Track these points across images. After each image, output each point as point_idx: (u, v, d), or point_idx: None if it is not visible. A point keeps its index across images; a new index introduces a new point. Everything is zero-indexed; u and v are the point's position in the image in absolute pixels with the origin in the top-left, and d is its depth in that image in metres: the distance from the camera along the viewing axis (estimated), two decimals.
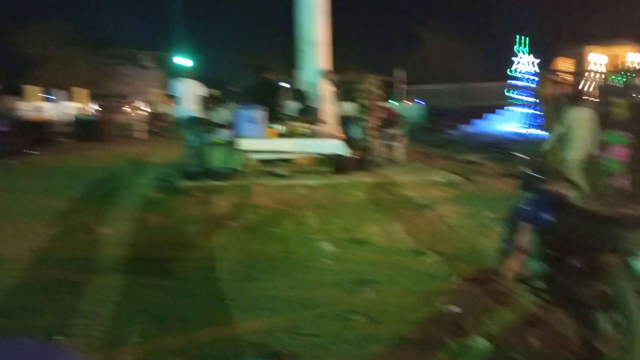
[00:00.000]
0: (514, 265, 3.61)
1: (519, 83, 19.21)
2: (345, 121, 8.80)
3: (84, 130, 14.80)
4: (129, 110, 24.19)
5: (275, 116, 8.16)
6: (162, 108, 20.80)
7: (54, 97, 21.04)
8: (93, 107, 22.25)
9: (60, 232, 5.24)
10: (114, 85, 39.36)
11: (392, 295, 3.68)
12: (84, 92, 25.93)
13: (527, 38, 19.46)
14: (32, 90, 22.31)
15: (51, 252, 4.64)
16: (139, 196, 6.83)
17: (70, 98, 23.65)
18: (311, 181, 7.21)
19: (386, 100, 9.53)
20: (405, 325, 3.24)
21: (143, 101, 28.09)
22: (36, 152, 11.16)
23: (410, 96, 25.48)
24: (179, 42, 25.32)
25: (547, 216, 3.10)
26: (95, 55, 37.72)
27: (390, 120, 9.08)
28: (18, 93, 20.97)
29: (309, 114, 8.63)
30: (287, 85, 9.66)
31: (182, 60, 22.23)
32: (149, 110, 23.27)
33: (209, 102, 8.97)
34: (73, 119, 16.66)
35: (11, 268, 4.15)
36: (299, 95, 9.26)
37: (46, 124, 14.64)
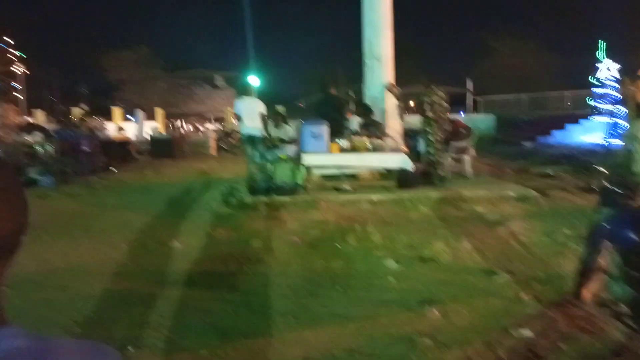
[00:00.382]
0: (595, 287, 3.34)
1: (602, 91, 18.03)
2: (411, 135, 8.64)
3: (160, 148, 15.63)
4: (202, 128, 25.31)
5: (339, 131, 8.18)
6: (233, 126, 21.59)
7: (135, 117, 22.46)
8: (169, 126, 23.51)
9: (135, 245, 5.51)
10: (189, 105, 41.50)
11: (460, 317, 3.51)
12: (161, 111, 27.50)
13: (605, 42, 18.27)
14: (115, 111, 24.01)
15: (126, 265, 4.88)
16: (208, 211, 7.06)
17: (150, 118, 25.15)
18: (375, 196, 7.12)
19: (453, 112, 9.25)
20: (475, 349, 3.06)
21: (215, 119, 29.31)
22: (116, 170, 11.90)
23: (479, 107, 24.73)
24: (249, 62, 26.25)
25: (631, 234, 2.84)
26: (171, 76, 40.08)
27: (458, 132, 8.80)
28: (103, 114, 22.65)
29: (373, 128, 8.57)
30: (352, 100, 9.68)
31: (252, 80, 23.01)
32: (221, 127, 24.21)
33: (273, 119, 9.17)
34: (153, 137, 17.67)
35: (89, 279, 4.40)
36: (363, 109, 9.24)
37: (126, 142, 15.63)
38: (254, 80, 23.18)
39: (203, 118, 27.86)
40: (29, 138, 10.21)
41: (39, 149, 9.86)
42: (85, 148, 10.44)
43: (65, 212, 7.32)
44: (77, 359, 0.60)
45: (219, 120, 29.88)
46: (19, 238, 0.58)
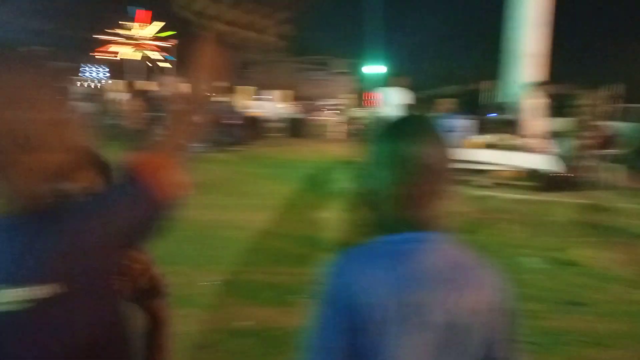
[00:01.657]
0: None
1: None
2: (558, 136, 8.24)
3: (289, 127, 16.47)
4: (324, 112, 26.07)
5: (479, 126, 8.08)
6: (354, 112, 21.94)
7: (268, 97, 23.78)
8: (297, 108, 24.51)
9: (286, 212, 6.08)
10: (311, 89, 42.84)
11: (616, 322, 3.45)
12: (288, 93, 28.80)
13: None
14: (247, 90, 25.64)
15: (278, 226, 5.44)
16: (339, 190, 7.44)
17: (280, 98, 26.53)
18: (516, 195, 6.96)
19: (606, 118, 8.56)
20: (628, 352, 3.02)
21: (336, 104, 29.98)
22: (252, 144, 12.86)
23: (628, 116, 22.46)
24: (372, 50, 26.46)
25: None
26: (295, 60, 41.66)
27: (608, 139, 8.22)
28: (235, 92, 24.28)
29: (515, 126, 8.33)
30: (492, 96, 9.46)
31: (377, 68, 23.16)
32: (342, 113, 24.72)
33: (415, 109, 9.24)
34: (281, 116, 18.68)
35: (243, 235, 4.98)
36: (504, 106, 9.00)
37: (260, 119, 16.71)
38: (380, 69, 23.32)
39: (326, 102, 28.66)
40: None
41: None
42: (234, 121, 11.47)
43: (218, 176, 8.18)
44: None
45: (340, 105, 30.50)
46: None
